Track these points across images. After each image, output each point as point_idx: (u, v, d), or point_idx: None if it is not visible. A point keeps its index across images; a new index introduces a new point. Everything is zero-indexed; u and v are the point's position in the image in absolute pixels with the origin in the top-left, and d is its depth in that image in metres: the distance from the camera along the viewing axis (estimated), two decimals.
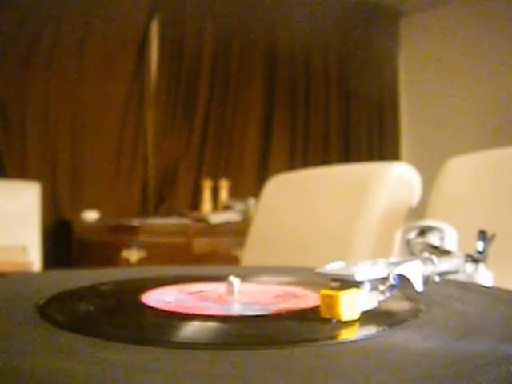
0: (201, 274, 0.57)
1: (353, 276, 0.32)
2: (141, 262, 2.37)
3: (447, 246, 0.59)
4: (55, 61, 2.59)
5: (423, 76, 3.60)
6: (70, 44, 2.63)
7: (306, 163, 3.18)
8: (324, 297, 0.32)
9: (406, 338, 0.30)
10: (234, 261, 2.35)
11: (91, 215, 2.51)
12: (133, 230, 2.48)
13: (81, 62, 2.66)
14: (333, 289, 0.32)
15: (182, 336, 0.32)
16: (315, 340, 0.30)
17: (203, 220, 2.61)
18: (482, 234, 0.52)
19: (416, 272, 0.35)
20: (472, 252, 0.51)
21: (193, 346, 0.28)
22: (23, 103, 2.52)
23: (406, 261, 0.36)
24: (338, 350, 0.28)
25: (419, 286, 0.35)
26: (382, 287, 0.34)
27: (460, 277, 0.49)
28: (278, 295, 0.41)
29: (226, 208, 2.80)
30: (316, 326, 0.32)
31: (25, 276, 0.59)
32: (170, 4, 2.91)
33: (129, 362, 0.25)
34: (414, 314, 0.34)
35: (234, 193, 2.93)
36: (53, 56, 2.58)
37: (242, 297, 0.40)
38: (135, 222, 2.52)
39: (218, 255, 2.54)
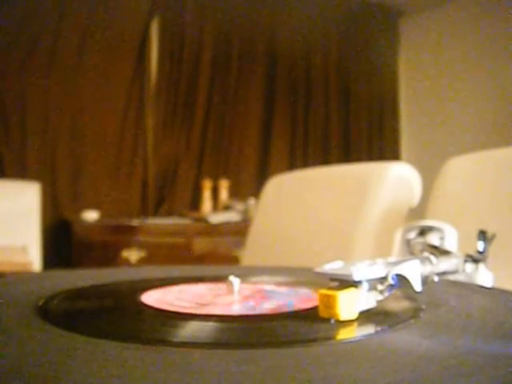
0: (201, 274, 0.57)
1: (351, 276, 0.32)
2: (141, 262, 2.37)
3: (447, 246, 0.59)
4: (55, 61, 2.59)
5: (423, 76, 3.59)
6: (70, 44, 2.63)
7: (305, 163, 3.18)
8: (322, 296, 0.32)
9: (404, 337, 0.30)
10: (234, 261, 2.34)
11: (91, 215, 2.51)
12: (133, 230, 2.48)
13: (81, 63, 2.66)
14: (331, 288, 0.32)
15: (182, 336, 0.32)
16: (313, 340, 0.30)
17: (203, 220, 2.61)
18: (482, 234, 0.52)
19: (415, 272, 0.35)
20: (472, 252, 0.51)
21: (193, 345, 0.28)
22: (23, 103, 2.52)
23: (405, 261, 0.36)
24: (337, 349, 0.28)
25: (418, 286, 0.35)
26: (380, 287, 0.34)
27: (460, 277, 0.49)
28: (278, 295, 0.41)
29: (226, 208, 2.80)
30: (314, 325, 0.32)
31: (25, 276, 0.59)
32: (169, 4, 2.91)
33: (129, 361, 0.25)
34: (413, 313, 0.34)
35: (234, 193, 2.93)
36: (53, 56, 2.58)
37: (242, 297, 0.40)
38: (135, 222, 2.52)
39: (218, 255, 2.54)
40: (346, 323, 0.31)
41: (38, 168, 2.53)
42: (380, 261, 0.35)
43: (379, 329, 0.31)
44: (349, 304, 0.32)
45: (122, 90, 2.78)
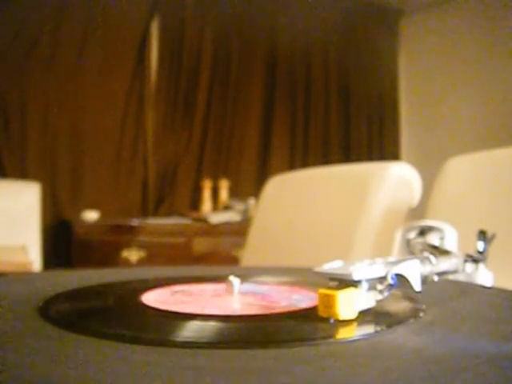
0: (201, 274, 0.57)
1: (350, 275, 0.32)
2: (141, 262, 2.37)
3: (447, 246, 0.59)
4: (55, 61, 2.59)
5: (423, 76, 3.59)
6: (70, 44, 2.63)
7: (305, 163, 3.18)
8: (322, 296, 0.32)
9: (403, 337, 0.30)
10: (234, 261, 2.35)
11: (91, 215, 2.51)
12: (133, 229, 2.48)
13: (81, 62, 2.66)
14: (331, 288, 0.32)
15: (182, 336, 0.32)
16: (313, 339, 0.30)
17: (203, 220, 2.61)
18: (482, 234, 0.52)
19: (414, 271, 0.35)
20: (472, 252, 0.51)
21: (193, 345, 0.29)
22: (23, 103, 2.52)
23: (404, 260, 0.36)
24: (336, 349, 0.28)
25: (417, 286, 0.35)
26: (379, 287, 0.34)
27: (460, 277, 0.49)
28: (277, 295, 0.41)
29: (226, 208, 2.80)
30: (314, 325, 0.32)
31: (25, 276, 0.59)
32: (169, 4, 2.91)
33: (129, 361, 0.25)
34: (413, 313, 0.34)
35: (234, 193, 2.93)
36: (53, 56, 2.58)
37: (242, 297, 0.40)
38: (135, 222, 2.52)
39: (218, 255, 2.54)
40: (346, 323, 0.31)
41: (38, 168, 2.53)
42: (380, 260, 0.35)
43: (378, 328, 0.31)
44: (348, 303, 0.32)
45: (122, 90, 2.78)
